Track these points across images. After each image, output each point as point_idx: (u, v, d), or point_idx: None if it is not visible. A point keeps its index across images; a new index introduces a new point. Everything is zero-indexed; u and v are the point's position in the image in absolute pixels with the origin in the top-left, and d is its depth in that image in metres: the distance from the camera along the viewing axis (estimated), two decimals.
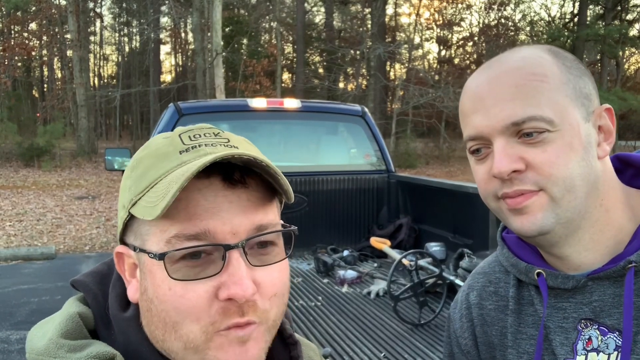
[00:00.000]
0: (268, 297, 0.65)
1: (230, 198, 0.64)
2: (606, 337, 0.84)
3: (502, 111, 0.80)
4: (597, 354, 0.84)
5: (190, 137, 0.69)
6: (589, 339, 0.85)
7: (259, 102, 4.50)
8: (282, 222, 0.71)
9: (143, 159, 0.69)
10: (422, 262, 3.34)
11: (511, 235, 0.98)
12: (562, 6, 32.29)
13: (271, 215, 0.68)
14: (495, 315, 0.98)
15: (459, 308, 1.05)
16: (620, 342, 0.82)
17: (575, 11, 28.00)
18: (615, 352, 0.83)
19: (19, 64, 25.65)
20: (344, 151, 5.03)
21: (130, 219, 0.68)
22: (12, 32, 26.72)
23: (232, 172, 0.65)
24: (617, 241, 0.85)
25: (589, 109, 0.83)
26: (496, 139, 0.81)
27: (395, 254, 3.87)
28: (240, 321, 0.63)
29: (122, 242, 0.71)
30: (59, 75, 31.28)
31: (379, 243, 4.18)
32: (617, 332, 0.83)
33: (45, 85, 34.46)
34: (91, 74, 32.61)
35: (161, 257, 0.62)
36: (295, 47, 28.88)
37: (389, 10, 29.54)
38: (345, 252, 4.13)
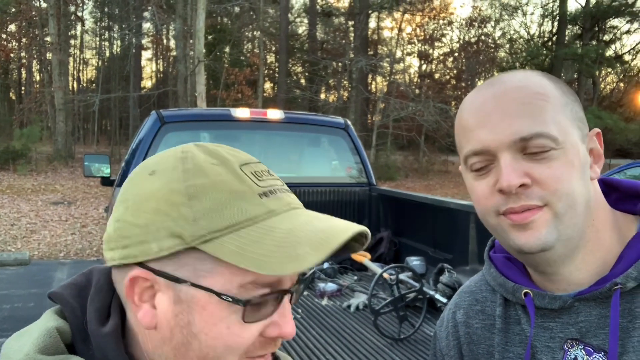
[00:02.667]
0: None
1: None
2: (592, 357, 0.85)
3: (510, 126, 0.81)
4: None
5: (254, 175, 0.68)
6: (575, 358, 0.86)
7: (242, 112, 4.49)
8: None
9: (207, 190, 0.63)
10: (402, 276, 3.35)
11: (498, 255, 0.98)
12: (541, 25, 32.88)
13: None
14: (482, 334, 0.99)
15: (445, 326, 1.05)
16: None
17: (554, 30, 28.57)
18: None
19: None
20: (326, 163, 5.03)
21: (184, 251, 0.62)
22: None
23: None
24: (605, 262, 0.86)
25: (584, 131, 0.86)
26: (503, 154, 0.82)
27: (375, 267, 3.87)
28: (273, 350, 0.69)
29: (143, 265, 0.64)
30: (38, 78, 30.91)
31: (359, 256, 4.18)
32: (602, 352, 0.84)
33: (23, 88, 33.94)
34: (70, 78, 32.09)
35: (246, 303, 0.63)
36: (278, 57, 28.94)
37: (372, 23, 29.80)
38: (325, 265, 4.12)
